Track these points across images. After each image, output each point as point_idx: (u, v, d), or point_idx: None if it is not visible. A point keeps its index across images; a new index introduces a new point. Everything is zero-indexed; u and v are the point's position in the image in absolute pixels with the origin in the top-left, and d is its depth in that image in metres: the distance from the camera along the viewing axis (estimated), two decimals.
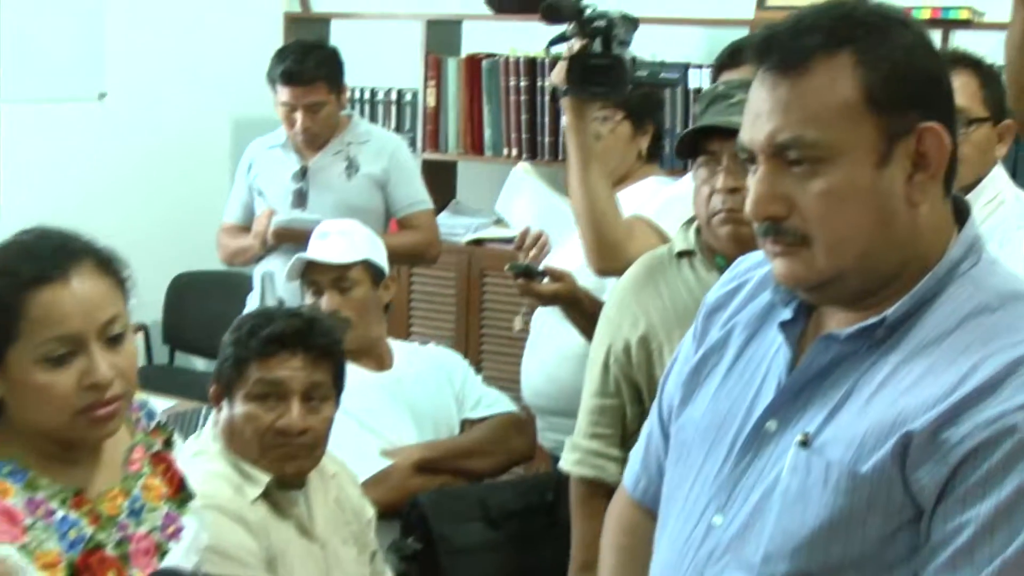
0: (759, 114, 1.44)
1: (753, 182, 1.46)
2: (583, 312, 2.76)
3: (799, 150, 1.41)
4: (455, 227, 4.65)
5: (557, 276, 2.77)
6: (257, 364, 2.33)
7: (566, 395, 2.86)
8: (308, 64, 3.73)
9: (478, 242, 4.64)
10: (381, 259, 3.11)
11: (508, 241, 3.75)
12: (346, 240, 3.09)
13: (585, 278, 2.79)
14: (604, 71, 2.56)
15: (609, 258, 2.60)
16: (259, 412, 2.33)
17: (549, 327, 2.95)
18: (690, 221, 2.40)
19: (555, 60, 2.73)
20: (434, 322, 4.72)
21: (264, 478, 2.32)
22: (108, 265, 1.78)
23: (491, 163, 4.66)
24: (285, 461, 2.33)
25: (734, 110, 2.22)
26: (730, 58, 2.84)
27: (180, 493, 1.95)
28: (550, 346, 2.98)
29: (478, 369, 4.46)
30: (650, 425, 1.78)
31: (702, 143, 2.27)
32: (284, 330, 2.34)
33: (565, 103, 2.64)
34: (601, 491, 2.40)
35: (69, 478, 1.78)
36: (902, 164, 1.41)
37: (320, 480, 2.42)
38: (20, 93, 4.70)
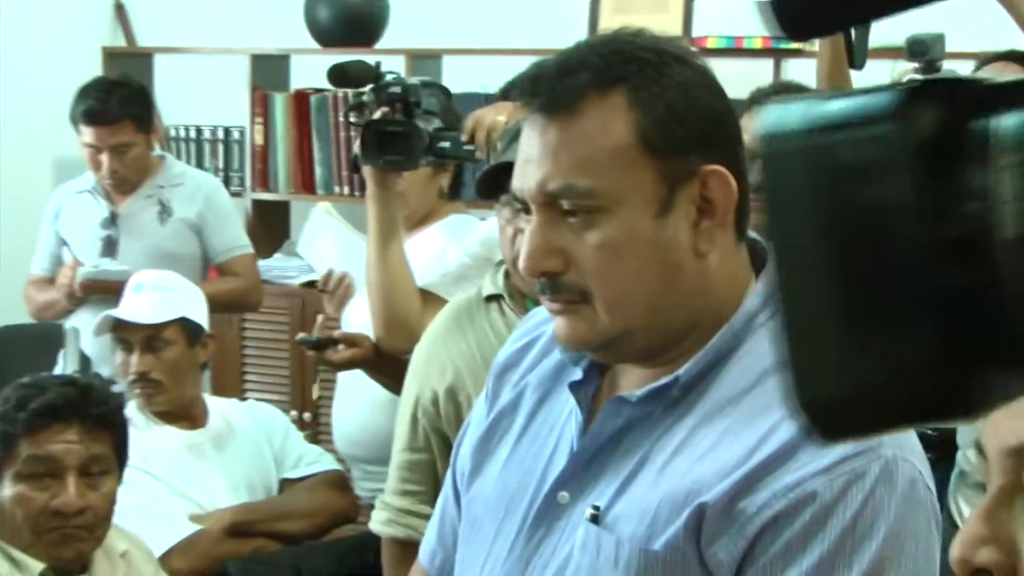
0: (528, 160, 1.32)
1: (526, 234, 1.33)
2: (383, 372, 2.66)
3: (572, 199, 1.29)
4: (288, 269, 4.47)
5: (352, 341, 2.67)
6: (27, 439, 2.14)
7: (379, 443, 2.76)
8: (112, 102, 3.52)
9: (312, 284, 4.46)
10: (199, 316, 2.94)
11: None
12: (160, 296, 2.91)
13: None
14: (400, 139, 2.48)
15: (400, 337, 2.50)
16: (31, 493, 2.13)
17: (356, 374, 2.82)
18: (499, 264, 2.29)
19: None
20: (269, 369, 4.53)
21: (37, 566, 2.12)
22: None
23: (324, 202, 4.49)
24: (62, 545, 2.14)
25: None
26: (506, 95, 2.75)
27: None
28: (359, 394, 2.86)
29: (315, 416, 4.31)
30: (444, 495, 1.65)
31: (504, 181, 2.17)
32: (55, 400, 2.15)
33: (365, 172, 2.54)
34: (414, 553, 2.29)
35: None
36: (685, 211, 1.30)
37: (107, 560, 2.23)
38: None
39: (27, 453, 2.14)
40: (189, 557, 2.59)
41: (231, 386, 4.30)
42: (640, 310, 1.31)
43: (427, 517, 2.25)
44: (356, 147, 2.58)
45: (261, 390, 4.34)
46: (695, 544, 1.25)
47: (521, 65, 4.26)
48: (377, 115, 2.52)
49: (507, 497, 1.43)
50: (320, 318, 2.81)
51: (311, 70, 4.63)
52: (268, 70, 4.63)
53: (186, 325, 2.88)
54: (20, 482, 2.14)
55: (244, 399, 3.49)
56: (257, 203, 4.61)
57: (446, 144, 2.53)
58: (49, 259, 3.74)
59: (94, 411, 2.19)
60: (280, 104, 4.56)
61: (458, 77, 4.22)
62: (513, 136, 2.22)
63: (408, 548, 2.29)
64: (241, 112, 4.63)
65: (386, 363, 2.66)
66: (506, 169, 2.16)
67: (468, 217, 2.95)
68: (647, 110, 1.29)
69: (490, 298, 2.27)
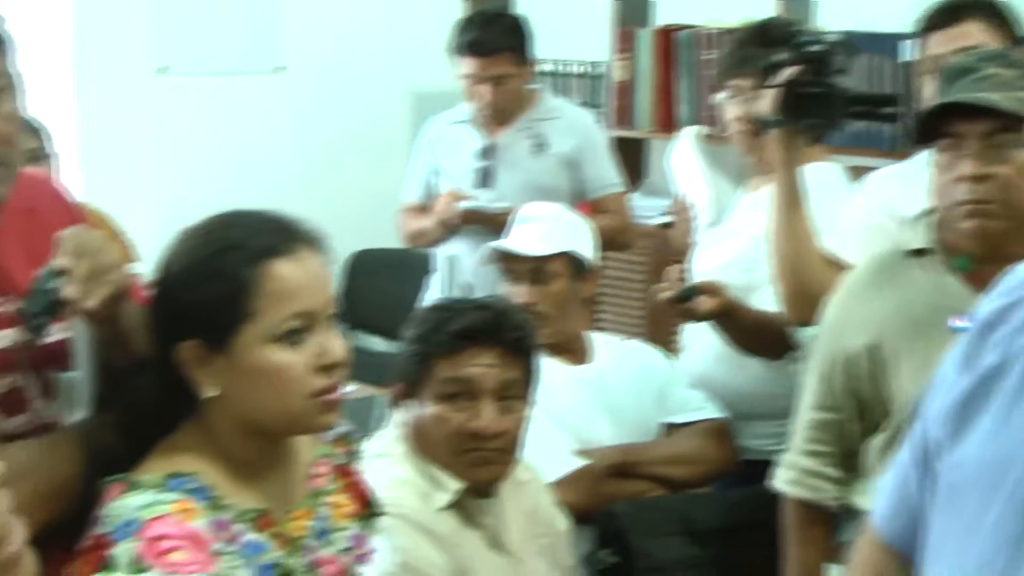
0: None
1: None
2: (737, 325, 2.66)
3: None
4: (646, 209, 4.41)
5: (711, 290, 2.65)
6: (445, 361, 2.17)
7: (720, 396, 2.78)
8: (493, 33, 3.54)
9: (670, 224, 4.38)
10: (585, 249, 2.90)
11: None
12: (547, 228, 2.88)
13: (733, 276, 2.71)
14: (818, 100, 2.38)
15: (805, 307, 2.39)
16: (448, 413, 2.17)
17: (696, 328, 2.80)
18: (924, 214, 2.16)
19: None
20: (624, 309, 4.49)
21: (455, 485, 2.16)
22: (321, 244, 1.63)
23: (696, 127, 4.38)
24: (478, 466, 2.17)
25: (982, 85, 1.99)
26: (940, 18, 2.56)
27: (367, 509, 1.78)
28: (700, 347, 2.84)
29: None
30: (903, 459, 1.54)
31: (942, 125, 2.02)
32: (473, 324, 2.17)
33: (774, 136, 2.45)
34: (818, 515, 2.24)
35: (252, 496, 1.60)
36: None
37: (512, 488, 2.25)
38: (195, 65, 4.66)
39: (445, 375, 2.17)
40: (575, 491, 2.55)
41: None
42: None
43: (833, 480, 2.20)
44: (761, 108, 2.49)
45: (615, 330, 4.30)
46: None
47: (897, 1, 3.97)
48: (788, 75, 2.42)
49: (996, 467, 1.32)
50: (676, 269, 2.77)
51: (677, 5, 4.55)
52: (633, 5, 4.55)
53: (572, 259, 2.85)
54: (439, 402, 2.18)
55: None
56: (616, 140, 4.56)
57: (861, 108, 2.43)
58: (423, 188, 3.79)
59: (509, 336, 2.19)
60: (644, 40, 4.47)
61: (834, 15, 4.03)
62: (951, 75, 2.07)
63: (813, 510, 2.22)
64: (603, 48, 4.58)
65: (741, 315, 2.64)
66: (944, 111, 2.03)
67: (832, 166, 2.79)
68: None
69: (913, 253, 2.14)
